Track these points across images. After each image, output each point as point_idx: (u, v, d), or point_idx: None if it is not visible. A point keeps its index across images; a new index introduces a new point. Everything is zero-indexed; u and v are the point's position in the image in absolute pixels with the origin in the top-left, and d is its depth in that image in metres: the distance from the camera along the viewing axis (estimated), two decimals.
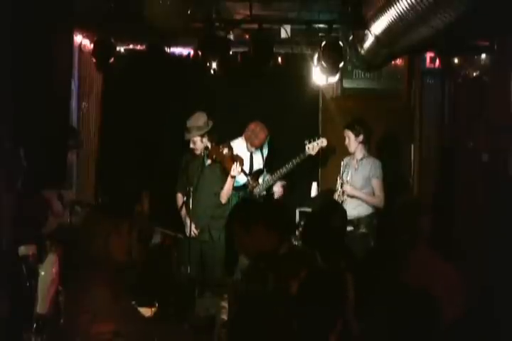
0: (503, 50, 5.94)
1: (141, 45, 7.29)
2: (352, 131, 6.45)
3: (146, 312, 6.01)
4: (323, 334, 2.90)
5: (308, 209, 6.79)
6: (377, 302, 3.05)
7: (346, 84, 7.33)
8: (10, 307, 4.21)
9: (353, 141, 6.46)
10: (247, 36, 6.49)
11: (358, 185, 6.40)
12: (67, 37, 5.02)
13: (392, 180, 6.64)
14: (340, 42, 6.17)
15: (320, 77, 6.78)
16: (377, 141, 7.09)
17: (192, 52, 7.02)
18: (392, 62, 6.90)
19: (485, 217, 6.00)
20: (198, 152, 6.46)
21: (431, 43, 5.75)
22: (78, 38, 6.87)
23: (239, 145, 6.86)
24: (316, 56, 6.38)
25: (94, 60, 6.52)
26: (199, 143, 6.42)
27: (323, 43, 6.12)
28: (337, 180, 6.51)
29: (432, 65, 7.14)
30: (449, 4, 4.03)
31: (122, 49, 7.20)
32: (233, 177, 6.46)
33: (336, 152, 7.19)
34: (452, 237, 6.41)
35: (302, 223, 6.13)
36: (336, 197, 6.43)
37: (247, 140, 6.88)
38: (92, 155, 7.64)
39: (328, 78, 6.65)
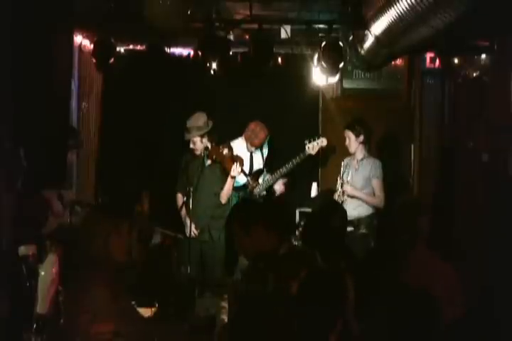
0: (503, 50, 5.94)
1: (141, 45, 7.30)
2: (352, 131, 6.44)
3: (146, 312, 6.01)
4: (323, 335, 2.90)
5: (308, 210, 6.79)
6: (378, 303, 3.05)
7: (346, 84, 7.33)
8: (10, 307, 4.21)
9: (353, 142, 6.46)
10: (247, 36, 6.49)
11: (358, 186, 6.40)
12: (67, 37, 5.02)
13: (392, 180, 6.64)
14: (340, 43, 6.17)
15: (320, 77, 6.78)
16: (378, 141, 7.09)
17: (192, 52, 7.03)
18: (392, 62, 6.90)
19: (485, 217, 6.00)
20: (198, 152, 6.46)
21: (431, 43, 5.74)
22: (78, 38, 6.87)
23: (239, 145, 6.86)
24: (316, 56, 6.38)
25: (94, 60, 6.51)
26: (199, 144, 6.42)
27: (323, 43, 6.12)
28: (337, 180, 6.51)
29: (432, 65, 7.14)
30: (449, 4, 4.03)
31: (122, 49, 7.20)
32: (233, 177, 6.46)
33: (336, 151, 7.19)
34: (452, 237, 6.41)
35: (302, 223, 6.13)
36: (336, 197, 6.43)
37: (247, 140, 6.88)
38: (92, 155, 7.64)
39: (328, 78, 6.65)
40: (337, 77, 6.78)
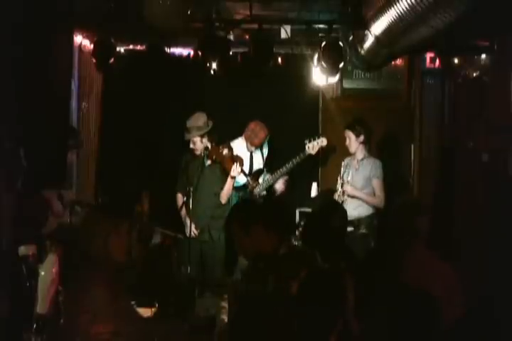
0: (503, 50, 5.94)
1: (141, 45, 7.30)
2: (353, 131, 6.44)
3: (146, 312, 6.01)
4: (323, 335, 2.90)
5: (308, 210, 6.79)
6: (378, 303, 3.05)
7: (346, 84, 7.34)
8: (10, 307, 4.21)
9: (353, 142, 6.46)
10: (247, 36, 6.49)
11: (358, 185, 6.40)
12: (67, 37, 5.02)
13: (392, 180, 6.64)
14: (340, 43, 6.16)
15: (320, 77, 6.78)
16: (378, 141, 7.09)
17: (192, 52, 7.03)
18: (392, 62, 6.90)
19: (485, 217, 6.01)
20: (198, 152, 6.46)
21: (431, 43, 5.74)
22: (78, 38, 6.87)
23: (239, 145, 6.87)
24: (316, 56, 6.38)
25: (94, 60, 6.51)
26: (199, 144, 6.42)
27: (323, 43, 6.12)
28: (337, 180, 6.51)
29: (432, 65, 7.15)
30: (449, 4, 4.03)
31: (122, 49, 7.20)
32: (233, 177, 6.46)
33: (336, 151, 7.19)
34: (452, 237, 6.41)
35: (302, 223, 6.13)
36: (336, 197, 6.43)
37: (246, 139, 6.88)
38: (92, 155, 7.64)
39: (328, 78, 6.65)
40: (337, 77, 6.78)
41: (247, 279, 3.65)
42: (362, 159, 6.47)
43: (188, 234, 6.32)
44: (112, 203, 7.05)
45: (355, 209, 6.21)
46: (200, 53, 6.27)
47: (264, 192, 6.87)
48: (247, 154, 6.89)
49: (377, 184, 6.39)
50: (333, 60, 6.10)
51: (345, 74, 7.18)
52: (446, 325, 3.28)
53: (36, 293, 4.91)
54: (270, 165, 7.04)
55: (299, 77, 7.26)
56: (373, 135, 6.64)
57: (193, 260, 6.28)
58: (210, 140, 6.43)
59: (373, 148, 6.83)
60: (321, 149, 6.93)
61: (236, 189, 6.69)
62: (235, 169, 6.41)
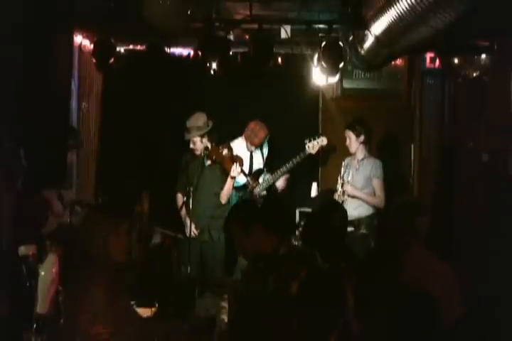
0: (503, 50, 5.94)
1: (141, 45, 7.29)
2: (353, 131, 6.45)
3: (146, 312, 6.01)
4: (324, 335, 2.90)
5: (308, 210, 6.79)
6: (378, 303, 3.05)
7: (346, 84, 7.34)
8: (10, 307, 4.21)
9: (354, 142, 6.46)
10: (247, 36, 6.49)
11: (358, 185, 6.40)
12: (67, 37, 5.02)
13: (392, 180, 6.64)
14: (340, 43, 6.16)
15: (320, 77, 6.78)
16: (378, 141, 7.09)
17: (192, 52, 7.02)
18: (392, 62, 6.89)
19: (485, 217, 6.00)
20: (197, 152, 6.46)
21: (431, 43, 5.74)
22: (78, 38, 6.87)
23: (239, 145, 6.86)
24: (316, 56, 6.38)
25: (94, 60, 6.51)
26: (199, 144, 6.42)
27: (323, 43, 6.11)
28: (337, 180, 6.51)
29: (432, 65, 7.15)
30: (449, 4, 4.03)
31: (122, 49, 7.20)
32: (233, 177, 6.46)
33: (336, 151, 7.19)
34: (452, 237, 6.41)
35: (302, 223, 6.12)
36: (336, 197, 6.43)
37: (246, 139, 6.88)
38: (92, 155, 7.63)
39: (328, 78, 6.65)
40: (337, 77, 6.78)
41: (247, 279, 3.65)
42: (362, 159, 6.47)
43: (188, 234, 6.32)
44: (112, 203, 7.05)
45: (355, 209, 6.22)
46: (200, 53, 6.27)
47: (264, 192, 6.87)
48: (247, 154, 6.89)
49: (377, 184, 6.39)
50: (333, 60, 6.10)
51: (345, 74, 7.18)
52: (446, 325, 3.28)
53: (36, 293, 4.90)
54: (270, 164, 7.04)
55: (299, 77, 7.26)
56: (373, 135, 6.64)
57: (193, 260, 6.28)
58: (210, 140, 6.43)
59: (373, 148, 6.83)
60: (321, 149, 6.93)
61: (236, 189, 6.69)
62: (235, 169, 6.42)
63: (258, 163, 6.99)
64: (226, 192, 6.48)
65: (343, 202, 6.27)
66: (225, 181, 6.46)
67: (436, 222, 5.87)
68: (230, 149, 6.54)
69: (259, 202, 6.52)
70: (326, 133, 7.23)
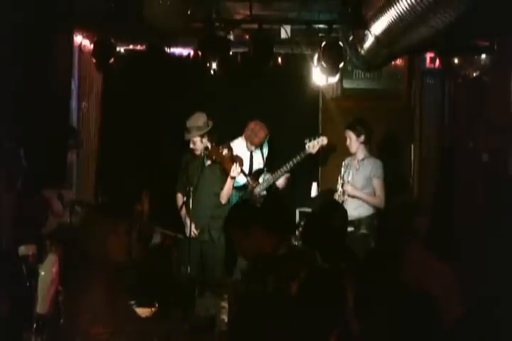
0: (503, 50, 5.94)
1: (141, 45, 7.29)
2: (353, 131, 6.45)
3: (146, 312, 6.00)
4: (323, 335, 2.90)
5: (308, 210, 6.79)
6: (378, 303, 3.05)
7: (346, 84, 7.34)
8: (10, 307, 4.21)
9: (354, 142, 6.46)
10: (247, 36, 6.49)
11: (359, 185, 6.40)
12: (67, 37, 5.02)
13: (392, 180, 6.64)
14: (340, 43, 6.16)
15: (320, 77, 6.78)
16: (378, 141, 7.09)
17: (192, 52, 7.02)
18: (392, 62, 6.89)
19: (485, 217, 6.00)
20: (197, 152, 6.46)
21: (431, 43, 5.74)
22: (78, 38, 6.86)
23: (239, 145, 6.87)
24: (316, 56, 6.38)
25: (94, 60, 6.51)
26: (199, 144, 6.43)
27: (323, 43, 6.11)
28: (337, 180, 6.51)
29: (432, 65, 7.15)
30: (449, 4, 4.03)
31: (122, 49, 7.20)
32: (233, 177, 6.46)
33: (336, 150, 7.19)
34: (452, 237, 6.41)
35: (302, 223, 6.12)
36: (336, 197, 6.43)
37: (246, 139, 6.88)
38: (92, 155, 7.63)
39: (328, 78, 6.65)
40: (337, 77, 6.78)
41: (247, 279, 3.65)
42: (362, 159, 6.47)
43: (188, 234, 6.32)
44: (112, 203, 7.04)
45: (355, 210, 6.22)
46: (200, 53, 6.26)
47: (265, 192, 6.87)
48: (247, 154, 6.89)
49: (377, 184, 6.39)
50: (333, 60, 6.10)
51: (345, 74, 7.18)
52: (446, 325, 3.28)
53: (36, 293, 4.90)
54: (270, 164, 7.04)
55: (299, 77, 7.26)
56: (373, 135, 6.64)
57: (193, 260, 6.28)
58: (210, 140, 6.43)
59: (373, 148, 6.83)
60: (321, 149, 6.93)
61: (236, 189, 6.69)
62: (235, 169, 6.42)
63: (258, 163, 6.99)
64: (226, 192, 6.48)
65: (343, 202, 6.27)
66: (225, 181, 6.46)
67: (436, 222, 5.88)
68: (230, 149, 6.54)
69: (259, 202, 6.52)
70: (326, 133, 7.23)
